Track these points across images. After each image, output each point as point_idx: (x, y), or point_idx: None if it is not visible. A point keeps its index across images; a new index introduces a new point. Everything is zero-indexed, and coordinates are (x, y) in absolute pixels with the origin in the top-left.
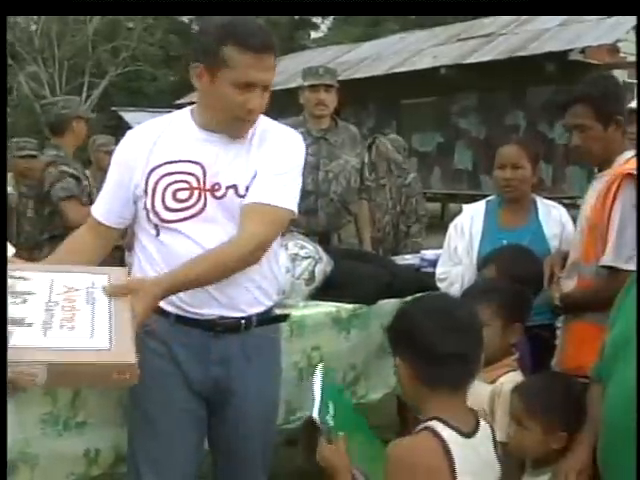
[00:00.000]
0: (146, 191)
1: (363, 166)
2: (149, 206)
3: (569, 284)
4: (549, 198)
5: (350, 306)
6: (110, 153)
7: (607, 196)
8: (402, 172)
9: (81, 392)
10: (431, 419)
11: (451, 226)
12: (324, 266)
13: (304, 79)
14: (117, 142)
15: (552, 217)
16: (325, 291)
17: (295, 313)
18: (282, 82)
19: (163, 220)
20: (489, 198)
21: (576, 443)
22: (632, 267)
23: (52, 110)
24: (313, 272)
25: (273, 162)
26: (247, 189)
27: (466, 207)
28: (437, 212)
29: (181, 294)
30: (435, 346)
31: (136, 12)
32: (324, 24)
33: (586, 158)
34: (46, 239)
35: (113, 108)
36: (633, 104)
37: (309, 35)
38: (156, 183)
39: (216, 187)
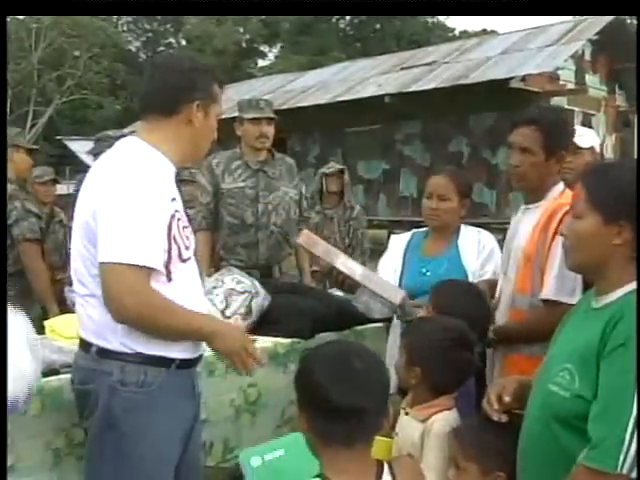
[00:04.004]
0: (170, 233)
1: (301, 197)
2: (174, 248)
3: (501, 316)
4: (493, 223)
5: (288, 341)
6: (45, 184)
7: (546, 229)
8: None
9: (8, 437)
10: (318, 476)
11: (380, 262)
12: (261, 300)
13: (244, 112)
14: (59, 172)
15: (470, 241)
16: (262, 326)
17: None
18: (227, 111)
19: (183, 260)
20: (415, 230)
21: None
22: (574, 300)
23: None
24: (250, 307)
25: None
26: None
27: (392, 239)
28: (383, 239)
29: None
30: (328, 398)
31: (136, 12)
32: (271, 52)
33: (519, 181)
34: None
35: (58, 137)
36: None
37: (256, 63)
38: (177, 223)
39: (187, 221)
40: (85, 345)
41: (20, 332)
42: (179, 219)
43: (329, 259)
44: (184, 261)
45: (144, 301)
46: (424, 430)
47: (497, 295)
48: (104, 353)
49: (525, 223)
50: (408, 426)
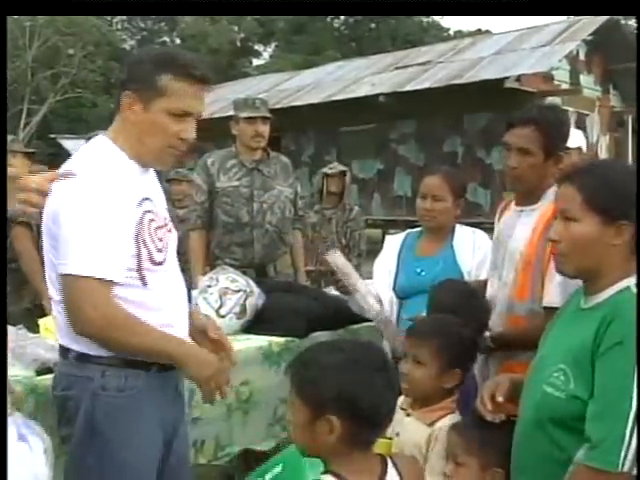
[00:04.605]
0: (137, 236)
1: (296, 196)
2: (143, 251)
3: (497, 322)
4: (487, 222)
5: (282, 340)
6: None
7: (547, 233)
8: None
9: None
10: (327, 472)
11: (375, 263)
12: (255, 299)
13: (239, 110)
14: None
15: (466, 242)
16: (257, 324)
17: None
18: (221, 110)
19: (156, 263)
20: (409, 230)
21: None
22: None
23: None
24: (244, 305)
25: None
26: None
27: (387, 240)
28: (377, 238)
29: None
30: (383, 409)
31: (136, 12)
32: (266, 51)
33: (516, 183)
34: None
35: (52, 135)
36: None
37: (251, 62)
38: (141, 225)
39: (167, 221)
40: (64, 351)
41: (40, 446)
42: (152, 220)
43: (351, 287)
44: (158, 264)
45: (104, 315)
46: (431, 434)
47: (488, 299)
48: (84, 358)
49: (521, 226)
50: (412, 428)
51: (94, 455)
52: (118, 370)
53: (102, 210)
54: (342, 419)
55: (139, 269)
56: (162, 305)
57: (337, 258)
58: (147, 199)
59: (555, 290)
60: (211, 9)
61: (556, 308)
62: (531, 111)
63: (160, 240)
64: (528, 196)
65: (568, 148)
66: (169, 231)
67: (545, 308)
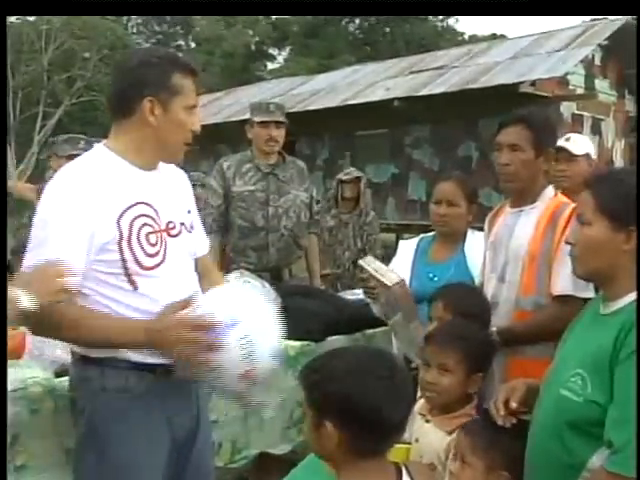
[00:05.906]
0: (121, 240)
1: (312, 200)
2: (128, 256)
3: (502, 321)
4: None
5: (298, 343)
6: None
7: (552, 226)
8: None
9: (20, 436)
10: None
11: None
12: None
13: (254, 115)
14: None
15: (476, 247)
16: None
17: None
18: (236, 114)
19: (145, 268)
20: (423, 235)
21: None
22: (589, 294)
23: None
24: None
25: (194, 201)
26: (191, 226)
27: (400, 244)
28: (392, 242)
29: None
30: (384, 418)
31: (136, 12)
32: (280, 55)
33: (511, 180)
34: None
35: None
36: (561, 142)
37: (265, 66)
38: (130, 230)
39: (171, 225)
40: (71, 353)
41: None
42: (144, 224)
43: (407, 318)
44: (149, 269)
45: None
46: (450, 443)
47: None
48: (85, 360)
49: (522, 225)
50: (431, 435)
51: (94, 455)
52: (118, 371)
53: (61, 214)
54: (338, 426)
55: (127, 273)
56: (149, 314)
57: (400, 289)
58: (141, 203)
59: (567, 279)
60: (223, 9)
61: (569, 296)
62: (521, 112)
63: (152, 245)
64: (523, 196)
65: (574, 155)
66: (174, 235)
67: (557, 297)
